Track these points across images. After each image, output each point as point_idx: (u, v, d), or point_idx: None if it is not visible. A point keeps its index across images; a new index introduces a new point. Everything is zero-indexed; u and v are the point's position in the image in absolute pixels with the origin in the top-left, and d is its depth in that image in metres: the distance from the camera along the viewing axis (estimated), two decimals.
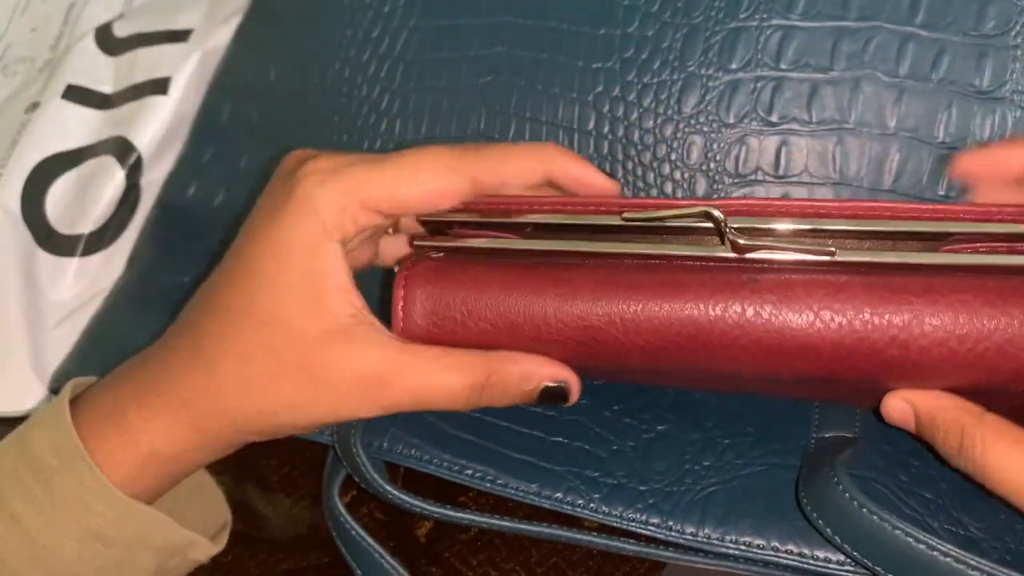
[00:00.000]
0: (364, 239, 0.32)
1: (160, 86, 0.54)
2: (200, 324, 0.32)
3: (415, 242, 0.34)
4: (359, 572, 0.37)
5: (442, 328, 0.32)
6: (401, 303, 0.32)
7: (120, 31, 0.58)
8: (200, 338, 0.32)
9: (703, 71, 0.39)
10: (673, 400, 0.37)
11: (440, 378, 0.31)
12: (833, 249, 0.29)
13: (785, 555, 0.32)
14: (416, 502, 0.37)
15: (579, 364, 0.33)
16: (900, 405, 0.30)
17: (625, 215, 0.30)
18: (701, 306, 0.29)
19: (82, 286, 0.51)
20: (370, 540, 0.37)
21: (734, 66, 0.39)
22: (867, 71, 0.37)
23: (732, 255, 0.30)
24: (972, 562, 0.28)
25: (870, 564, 0.30)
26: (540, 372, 0.32)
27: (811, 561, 0.32)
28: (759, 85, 0.38)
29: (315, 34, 0.48)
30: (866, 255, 0.29)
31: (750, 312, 0.29)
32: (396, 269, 0.33)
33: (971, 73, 0.36)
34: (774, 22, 0.38)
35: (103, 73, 0.56)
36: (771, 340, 0.29)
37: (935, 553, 0.28)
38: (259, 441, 0.34)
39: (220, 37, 0.54)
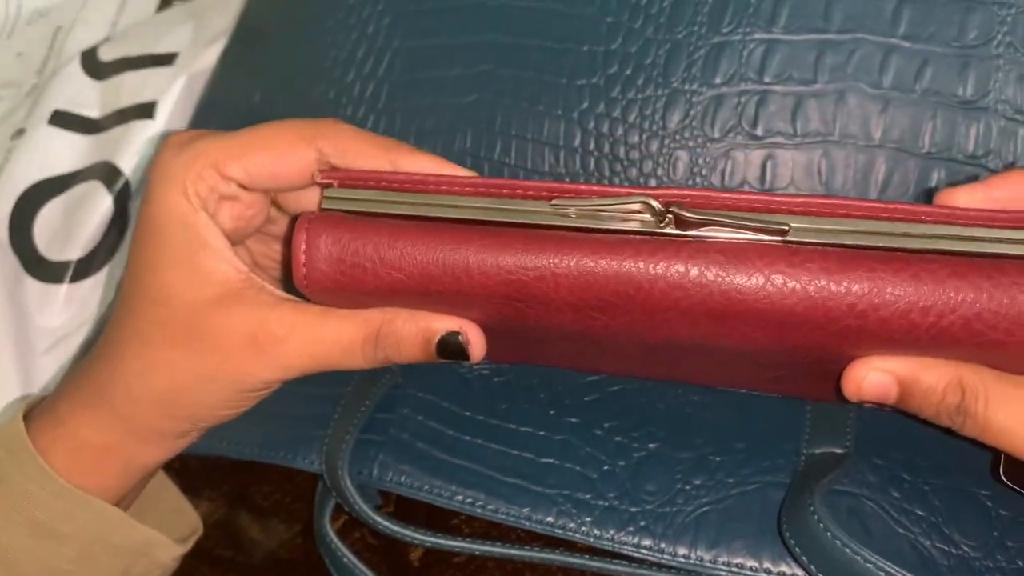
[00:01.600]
0: (247, 227, 0.32)
1: (146, 110, 0.54)
2: (111, 317, 0.33)
3: (323, 204, 0.31)
4: None
5: (349, 277, 0.29)
6: (303, 246, 0.29)
7: (106, 55, 0.58)
8: (110, 329, 0.33)
9: (687, 86, 0.39)
10: (663, 416, 0.37)
11: (330, 330, 0.30)
12: (786, 227, 0.27)
13: None
14: (406, 531, 0.36)
15: (504, 328, 0.30)
16: (877, 377, 0.28)
17: (555, 203, 0.28)
18: (641, 264, 0.27)
19: (71, 312, 0.51)
20: (362, 567, 0.37)
21: (718, 80, 0.38)
22: (851, 83, 0.37)
23: (675, 232, 0.27)
24: None
25: None
26: (434, 323, 0.31)
27: None
28: (743, 99, 0.38)
29: (300, 55, 0.48)
30: (823, 236, 0.27)
31: (694, 272, 0.26)
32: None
33: (954, 83, 0.35)
34: (757, 36, 0.38)
35: (89, 98, 0.56)
36: (715, 303, 0.27)
37: None
38: (201, 428, 0.33)
39: (205, 60, 0.54)
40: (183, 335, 0.31)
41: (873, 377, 0.28)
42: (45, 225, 0.52)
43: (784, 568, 0.32)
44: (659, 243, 0.27)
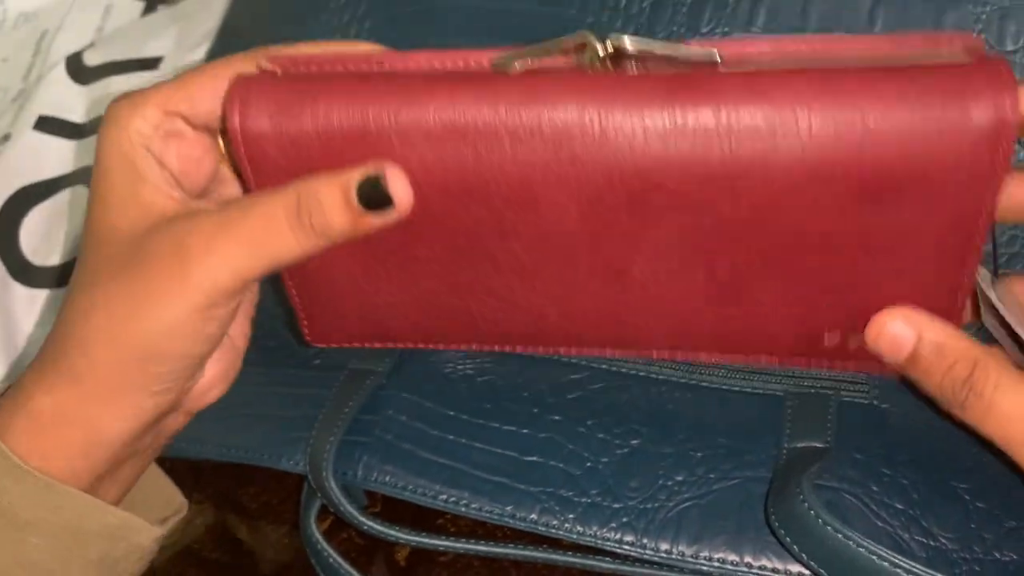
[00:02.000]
0: (197, 171, 0.32)
1: None
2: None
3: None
4: None
5: (287, 114, 0.29)
6: (239, 95, 0.29)
7: (91, 60, 0.58)
8: (68, 289, 0.32)
9: None
10: (646, 412, 0.37)
11: (255, 212, 0.30)
12: (719, 61, 0.28)
13: (759, 571, 0.32)
14: (391, 531, 0.37)
15: (443, 208, 0.30)
16: (899, 328, 0.28)
17: (496, 63, 0.29)
18: (588, 82, 0.28)
19: None
20: (348, 567, 0.37)
21: None
22: None
23: (610, 70, 0.28)
24: None
25: None
26: (353, 172, 0.29)
27: None
28: None
29: None
30: (760, 67, 0.27)
31: (636, 90, 0.27)
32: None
33: None
34: (735, 36, 0.38)
35: (75, 103, 0.56)
36: (660, 122, 0.27)
37: (899, 571, 0.28)
38: (159, 377, 0.31)
39: (190, 64, 0.54)
40: (122, 267, 0.30)
41: (895, 326, 0.28)
42: (31, 230, 0.52)
43: (765, 562, 0.32)
44: (605, 73, 0.28)
